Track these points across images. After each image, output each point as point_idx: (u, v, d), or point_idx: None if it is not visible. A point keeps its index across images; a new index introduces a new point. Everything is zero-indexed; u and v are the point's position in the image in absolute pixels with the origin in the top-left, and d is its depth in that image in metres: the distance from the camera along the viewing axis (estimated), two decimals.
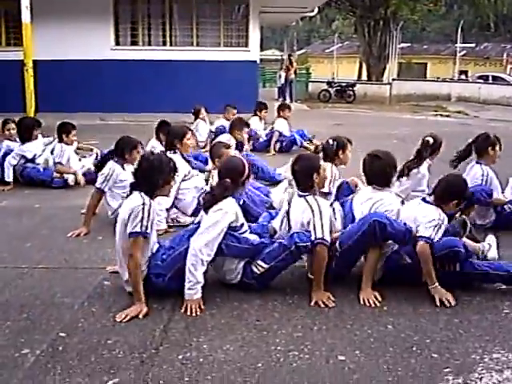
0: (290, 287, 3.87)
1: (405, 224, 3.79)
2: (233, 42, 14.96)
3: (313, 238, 3.65)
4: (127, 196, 3.75)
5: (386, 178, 4.10)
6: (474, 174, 5.25)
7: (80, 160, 7.15)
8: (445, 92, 24.26)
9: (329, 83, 24.57)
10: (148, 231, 3.53)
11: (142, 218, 3.49)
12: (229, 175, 3.80)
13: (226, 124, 9.09)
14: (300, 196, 3.89)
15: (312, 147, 8.29)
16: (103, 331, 3.22)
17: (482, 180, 5.19)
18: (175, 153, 5.51)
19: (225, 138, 7.55)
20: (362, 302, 3.64)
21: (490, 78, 31.87)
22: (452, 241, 3.74)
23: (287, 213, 3.98)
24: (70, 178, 6.76)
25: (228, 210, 3.65)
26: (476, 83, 26.99)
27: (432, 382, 2.77)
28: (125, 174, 5.20)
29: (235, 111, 9.77)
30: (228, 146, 5.77)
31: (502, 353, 3.07)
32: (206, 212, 3.72)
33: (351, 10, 27.02)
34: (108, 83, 14.24)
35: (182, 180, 5.44)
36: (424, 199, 4.02)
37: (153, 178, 3.67)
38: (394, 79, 25.94)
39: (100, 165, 5.38)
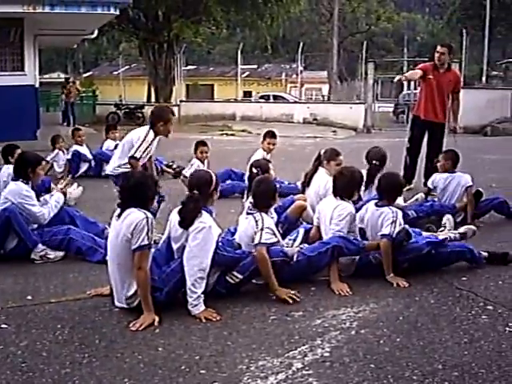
0: (61, 323, 3.71)
1: (356, 240, 4.48)
2: (7, 66, 14.10)
3: (256, 242, 4.06)
4: (118, 215, 3.76)
5: (350, 192, 4.71)
6: None
7: None
8: (230, 112, 25.41)
9: (117, 105, 24.35)
10: (152, 243, 3.69)
11: (148, 230, 3.62)
12: (197, 187, 3.95)
13: (80, 148, 9.26)
14: (248, 214, 4.34)
15: (171, 171, 8.66)
16: None
17: None
18: (27, 183, 5.04)
19: None
20: (336, 292, 4.20)
21: (272, 97, 34.17)
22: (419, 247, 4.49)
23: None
24: None
25: (211, 225, 3.81)
26: (258, 102, 28.80)
27: None
28: None
29: (82, 132, 9.76)
30: None
31: (267, 359, 3.22)
32: (183, 227, 3.81)
33: (134, 32, 26.98)
34: None
35: None
36: (376, 204, 4.73)
37: (144, 193, 3.83)
38: (181, 101, 26.55)
39: None
